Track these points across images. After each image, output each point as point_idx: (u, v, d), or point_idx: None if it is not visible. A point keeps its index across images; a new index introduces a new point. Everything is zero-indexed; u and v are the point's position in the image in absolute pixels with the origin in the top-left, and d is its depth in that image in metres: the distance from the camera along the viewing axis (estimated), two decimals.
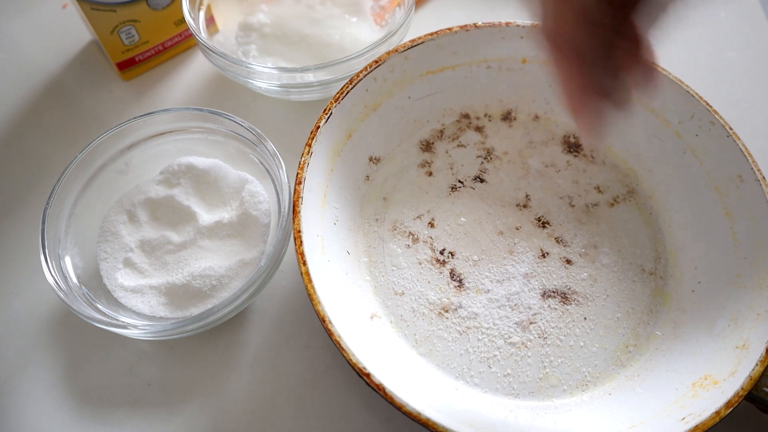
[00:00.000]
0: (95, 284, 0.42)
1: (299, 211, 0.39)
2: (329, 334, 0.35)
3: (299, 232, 0.38)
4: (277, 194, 0.43)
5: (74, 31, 0.58)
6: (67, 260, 0.42)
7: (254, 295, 0.40)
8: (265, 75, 0.48)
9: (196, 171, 0.46)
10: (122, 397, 0.42)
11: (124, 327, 0.38)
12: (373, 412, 0.41)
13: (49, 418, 0.41)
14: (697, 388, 0.37)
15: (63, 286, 0.39)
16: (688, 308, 0.42)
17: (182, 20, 0.55)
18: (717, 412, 0.34)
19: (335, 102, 0.43)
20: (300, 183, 0.40)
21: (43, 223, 0.41)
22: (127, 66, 0.55)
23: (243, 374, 0.42)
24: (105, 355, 0.43)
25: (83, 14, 0.50)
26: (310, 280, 0.37)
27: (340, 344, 0.35)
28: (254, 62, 0.51)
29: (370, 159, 0.48)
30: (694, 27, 0.61)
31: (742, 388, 0.34)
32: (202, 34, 0.51)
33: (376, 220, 0.46)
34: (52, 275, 0.39)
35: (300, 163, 0.41)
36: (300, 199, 0.39)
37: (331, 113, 0.43)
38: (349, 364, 0.35)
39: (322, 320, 0.35)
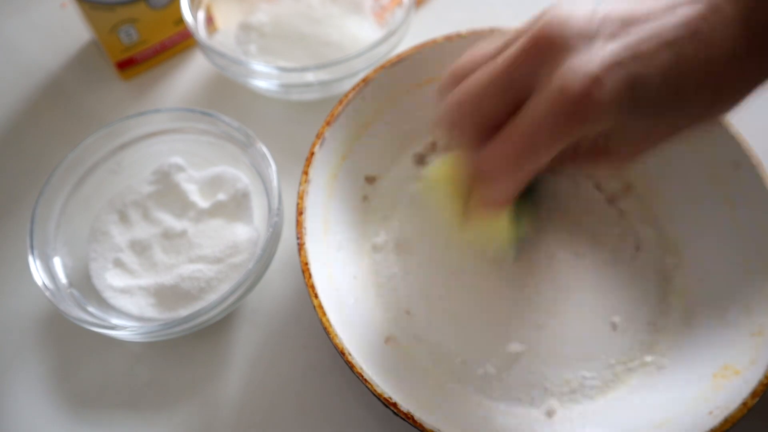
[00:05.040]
0: (84, 285, 0.42)
1: (304, 243, 0.38)
2: (350, 366, 0.34)
3: (306, 264, 0.37)
4: (267, 195, 0.43)
5: (73, 31, 0.58)
6: (57, 260, 0.42)
7: (242, 297, 0.40)
8: (264, 75, 0.48)
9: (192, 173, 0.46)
10: (122, 398, 0.41)
11: (113, 328, 0.38)
12: (372, 412, 0.40)
13: (47, 419, 0.41)
14: (719, 379, 0.36)
15: (51, 286, 0.39)
16: (699, 299, 0.41)
17: (181, 19, 0.54)
18: (744, 403, 0.33)
19: (327, 125, 0.42)
20: (301, 213, 0.39)
21: (32, 222, 0.41)
22: (126, 65, 0.55)
23: (243, 374, 0.42)
24: (104, 355, 0.43)
25: (82, 13, 0.50)
26: (324, 313, 0.35)
27: (362, 376, 0.34)
28: (254, 62, 0.51)
29: (366, 179, 0.47)
30: None
31: (765, 376, 0.34)
32: (201, 33, 0.51)
33: (379, 240, 0.45)
34: (40, 275, 0.39)
35: (299, 193, 0.39)
36: (303, 230, 0.38)
37: (324, 138, 0.42)
38: (374, 395, 0.34)
39: (341, 353, 0.34)
